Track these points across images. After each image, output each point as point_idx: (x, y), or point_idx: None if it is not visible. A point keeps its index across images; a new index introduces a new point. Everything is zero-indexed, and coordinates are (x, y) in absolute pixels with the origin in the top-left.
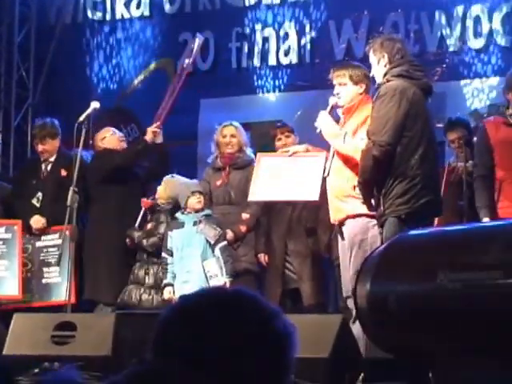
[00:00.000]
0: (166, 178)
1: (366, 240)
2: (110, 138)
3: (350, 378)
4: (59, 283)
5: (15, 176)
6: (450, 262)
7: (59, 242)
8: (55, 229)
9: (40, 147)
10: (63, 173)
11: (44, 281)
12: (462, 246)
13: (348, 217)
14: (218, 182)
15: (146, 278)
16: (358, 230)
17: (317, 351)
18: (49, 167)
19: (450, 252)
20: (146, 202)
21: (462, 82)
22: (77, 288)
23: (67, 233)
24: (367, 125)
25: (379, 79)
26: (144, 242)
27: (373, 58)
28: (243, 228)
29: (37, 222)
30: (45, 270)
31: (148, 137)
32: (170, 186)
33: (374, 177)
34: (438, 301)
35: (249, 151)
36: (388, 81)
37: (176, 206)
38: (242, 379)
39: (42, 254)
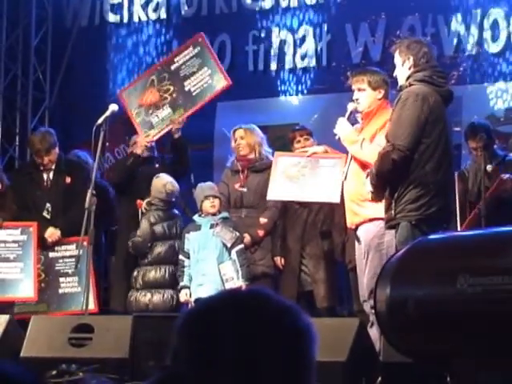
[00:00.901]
0: (154, 177)
1: (383, 243)
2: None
3: (367, 381)
4: (78, 293)
5: (12, 186)
6: (470, 267)
7: (76, 252)
8: (71, 240)
9: (46, 160)
10: (67, 180)
11: (61, 291)
12: (482, 250)
13: (365, 221)
14: (237, 185)
15: (134, 280)
16: (374, 234)
17: (334, 355)
18: (51, 175)
19: (470, 256)
20: (140, 203)
21: (479, 86)
22: (98, 297)
23: (84, 243)
24: (385, 130)
25: (402, 81)
26: (129, 243)
27: (398, 59)
28: (261, 232)
29: (52, 235)
30: (61, 280)
31: (139, 150)
32: (153, 184)
33: (390, 181)
34: (458, 305)
35: (267, 153)
36: (410, 85)
37: (168, 206)
38: (257, 379)
39: (57, 265)
